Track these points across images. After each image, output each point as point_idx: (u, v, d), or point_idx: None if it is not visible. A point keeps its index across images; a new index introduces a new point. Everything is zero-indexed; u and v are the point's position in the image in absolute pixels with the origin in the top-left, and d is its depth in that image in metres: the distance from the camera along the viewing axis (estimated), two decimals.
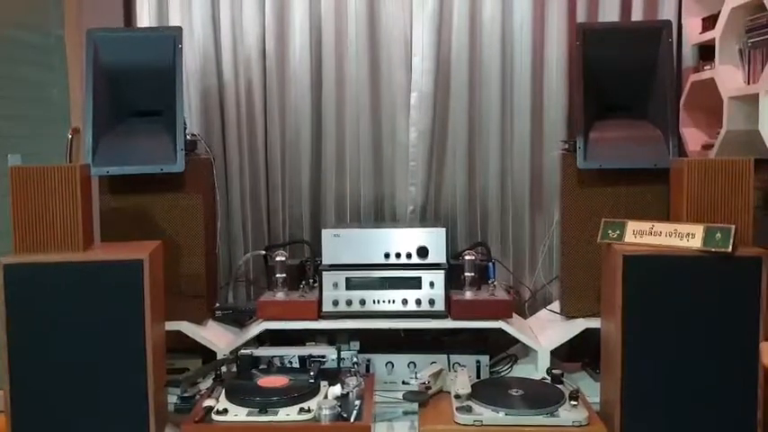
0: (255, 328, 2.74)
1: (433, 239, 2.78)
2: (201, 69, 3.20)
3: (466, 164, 3.22)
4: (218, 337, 2.83)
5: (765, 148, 2.29)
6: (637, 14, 3.07)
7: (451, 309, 2.72)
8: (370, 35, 3.18)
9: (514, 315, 2.80)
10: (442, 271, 2.74)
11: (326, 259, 2.79)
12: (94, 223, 2.50)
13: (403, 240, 2.78)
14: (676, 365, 2.20)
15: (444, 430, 2.17)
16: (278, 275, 2.84)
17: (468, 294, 2.77)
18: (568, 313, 2.84)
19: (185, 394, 2.47)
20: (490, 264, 2.92)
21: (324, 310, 2.74)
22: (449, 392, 2.34)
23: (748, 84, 2.53)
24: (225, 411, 2.20)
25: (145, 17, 3.19)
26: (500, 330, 2.71)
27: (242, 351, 2.58)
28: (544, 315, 3.06)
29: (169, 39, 2.77)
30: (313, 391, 2.31)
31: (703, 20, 2.87)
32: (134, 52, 2.77)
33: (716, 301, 2.17)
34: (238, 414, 2.19)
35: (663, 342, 2.20)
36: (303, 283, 2.86)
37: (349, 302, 2.74)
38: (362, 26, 3.17)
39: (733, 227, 2.14)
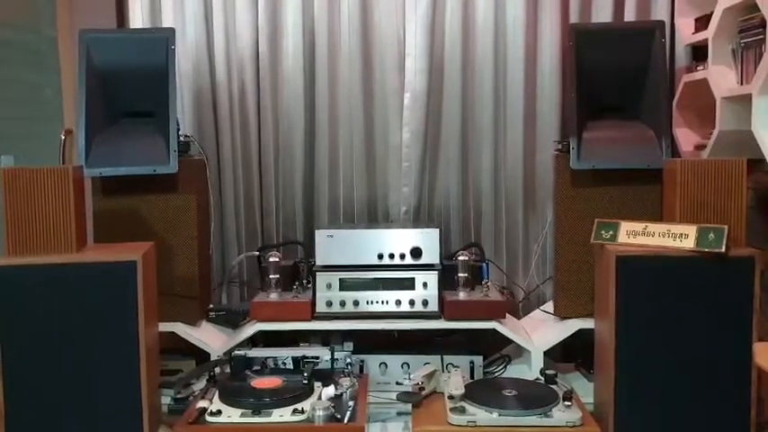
0: (249, 329, 2.74)
1: (427, 240, 2.78)
2: (194, 70, 3.19)
3: (459, 164, 3.22)
4: (211, 338, 2.83)
5: (758, 149, 2.30)
6: (629, 15, 3.07)
7: (445, 309, 2.72)
8: (362, 36, 3.18)
9: (508, 315, 2.80)
10: (436, 272, 2.74)
11: (320, 260, 2.79)
12: (87, 224, 2.49)
13: (396, 241, 2.78)
14: (670, 365, 2.21)
15: (438, 431, 2.17)
16: (271, 276, 2.84)
17: (462, 295, 2.77)
18: (562, 314, 2.85)
19: (179, 395, 2.47)
20: (484, 264, 2.93)
21: (317, 310, 2.74)
22: (442, 393, 2.34)
23: (741, 84, 2.53)
24: (218, 413, 2.20)
25: (137, 18, 3.18)
26: (494, 331, 2.72)
27: (235, 352, 2.58)
28: (538, 315, 3.06)
29: (162, 40, 2.77)
30: (307, 392, 2.31)
31: (696, 20, 2.87)
32: (127, 53, 2.77)
33: (709, 301, 2.18)
34: (232, 415, 2.19)
35: (656, 342, 2.21)
36: (296, 283, 2.86)
37: (342, 303, 2.74)
38: (355, 27, 3.16)
39: (726, 227, 2.15)
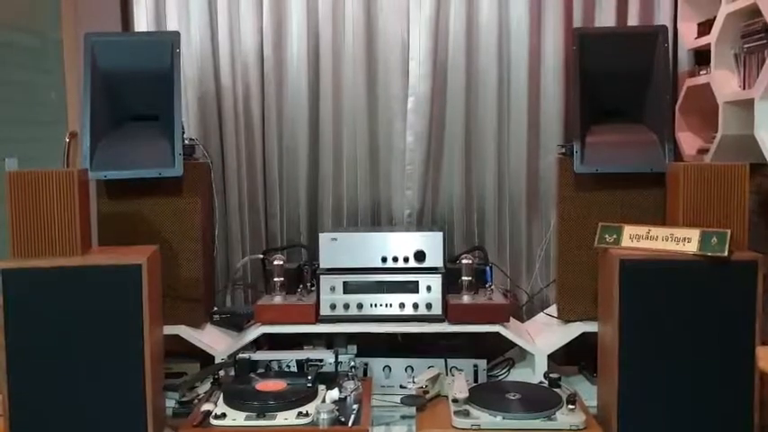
0: (253, 332, 2.75)
1: (430, 243, 2.79)
2: (199, 74, 3.20)
3: (463, 168, 3.22)
4: (216, 341, 2.83)
5: (760, 153, 2.31)
6: (633, 20, 3.08)
7: (449, 313, 2.72)
8: (367, 40, 3.19)
9: (511, 319, 2.81)
10: (440, 275, 2.75)
11: (324, 263, 2.79)
12: (92, 227, 2.50)
13: (400, 244, 2.78)
14: (673, 369, 2.21)
15: None
16: (276, 279, 2.85)
17: (466, 298, 2.78)
18: (565, 317, 2.85)
19: (183, 398, 2.48)
20: (487, 267, 2.93)
21: (321, 313, 2.74)
22: (446, 396, 2.35)
23: (743, 89, 2.54)
24: (223, 416, 2.21)
25: (142, 21, 3.18)
26: (497, 334, 2.72)
27: (240, 355, 2.59)
28: (541, 319, 3.07)
29: (167, 43, 2.77)
30: (311, 395, 2.32)
31: (699, 25, 2.88)
32: (132, 57, 2.78)
33: (712, 305, 2.19)
34: (236, 418, 2.20)
35: (659, 346, 2.21)
36: (301, 286, 2.86)
37: (346, 306, 2.74)
38: (360, 31, 3.17)
39: (729, 231, 2.16)
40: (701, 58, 2.89)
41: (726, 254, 2.14)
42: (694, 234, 2.21)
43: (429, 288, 2.74)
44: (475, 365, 2.71)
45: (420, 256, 2.78)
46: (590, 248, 2.53)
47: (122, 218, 2.78)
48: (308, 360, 2.58)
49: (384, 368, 2.73)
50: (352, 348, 2.71)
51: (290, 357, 2.63)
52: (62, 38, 3.21)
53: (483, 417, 2.19)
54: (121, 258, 2.25)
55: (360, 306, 2.74)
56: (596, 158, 2.72)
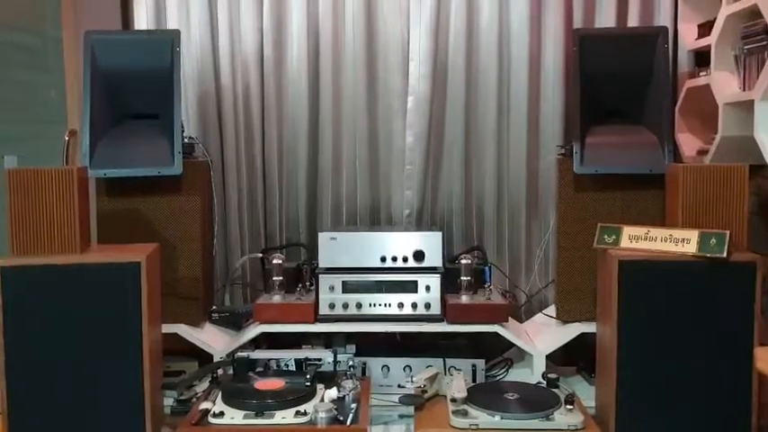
0: (252, 331, 2.75)
1: (430, 243, 2.78)
2: (199, 73, 3.20)
3: (462, 168, 3.22)
4: (214, 339, 2.83)
5: (760, 155, 2.31)
6: (633, 21, 3.08)
7: (447, 312, 2.72)
8: (367, 39, 3.19)
9: (510, 319, 2.80)
10: (438, 275, 2.75)
11: (323, 262, 2.79)
12: (91, 225, 2.50)
13: (399, 244, 2.78)
14: (671, 370, 2.21)
15: None
16: (274, 278, 2.85)
17: (465, 298, 2.78)
18: (564, 317, 2.85)
19: (182, 397, 2.47)
20: (486, 268, 2.93)
21: (320, 313, 2.74)
22: (445, 396, 2.35)
23: (743, 90, 2.54)
24: (221, 414, 2.20)
25: (142, 20, 3.18)
26: (496, 334, 2.72)
27: (238, 354, 2.59)
28: (540, 319, 3.07)
29: (167, 42, 2.77)
30: (309, 394, 2.32)
31: (699, 26, 2.89)
32: (132, 55, 2.78)
33: (710, 306, 2.19)
34: (235, 417, 2.20)
35: (658, 346, 2.21)
36: (300, 286, 2.86)
37: (345, 306, 2.74)
38: (360, 30, 3.17)
39: (727, 233, 2.16)
40: (701, 59, 2.89)
41: (725, 255, 2.14)
42: (693, 235, 2.21)
43: (428, 288, 2.74)
44: (473, 365, 2.70)
45: (419, 255, 2.78)
46: (589, 249, 2.52)
47: (122, 216, 2.78)
48: (306, 359, 2.59)
49: (382, 367, 2.73)
50: (351, 348, 2.73)
51: (288, 356, 2.63)
52: (62, 36, 3.21)
53: (481, 416, 2.19)
54: (120, 256, 2.25)
55: (359, 305, 2.74)
56: (596, 159, 2.72)
